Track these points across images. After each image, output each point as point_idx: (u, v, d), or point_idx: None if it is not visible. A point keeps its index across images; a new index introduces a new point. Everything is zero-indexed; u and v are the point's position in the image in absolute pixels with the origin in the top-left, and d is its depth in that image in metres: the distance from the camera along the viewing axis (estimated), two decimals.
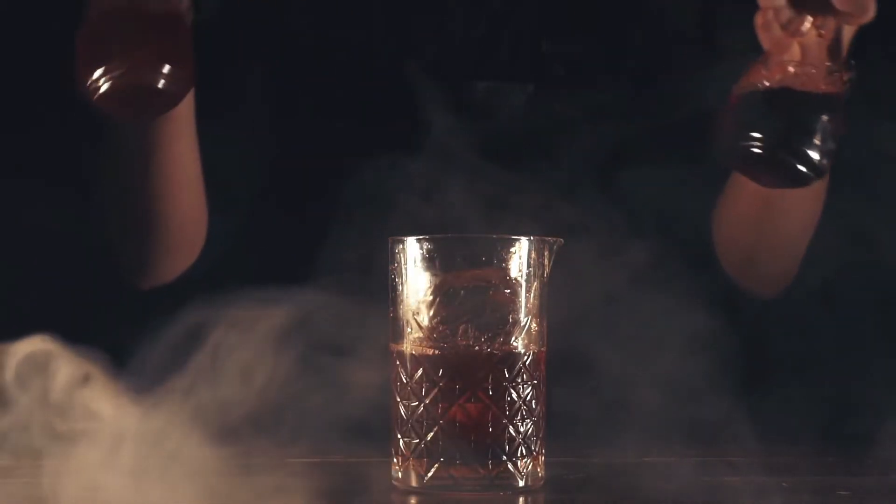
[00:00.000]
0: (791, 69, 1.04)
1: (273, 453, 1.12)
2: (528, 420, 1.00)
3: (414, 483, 1.00)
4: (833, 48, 1.03)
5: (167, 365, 1.05)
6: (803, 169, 1.02)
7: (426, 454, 0.99)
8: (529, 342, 1.00)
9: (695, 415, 1.18)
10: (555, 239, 1.02)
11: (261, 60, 1.36)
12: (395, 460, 1.01)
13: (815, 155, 1.02)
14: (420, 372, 0.99)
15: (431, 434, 0.99)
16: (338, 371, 1.14)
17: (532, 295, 1.00)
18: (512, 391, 0.99)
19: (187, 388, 1.04)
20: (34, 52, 1.34)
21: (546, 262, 1.01)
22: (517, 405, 0.99)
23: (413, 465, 1.00)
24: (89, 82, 1.03)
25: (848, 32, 1.05)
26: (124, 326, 1.09)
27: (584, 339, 1.23)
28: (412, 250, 1.00)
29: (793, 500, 0.99)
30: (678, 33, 1.37)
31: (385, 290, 1.04)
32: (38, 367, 0.96)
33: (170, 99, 1.08)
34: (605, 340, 1.24)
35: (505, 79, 1.35)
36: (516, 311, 1.00)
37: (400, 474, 1.01)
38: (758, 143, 1.03)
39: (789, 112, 1.03)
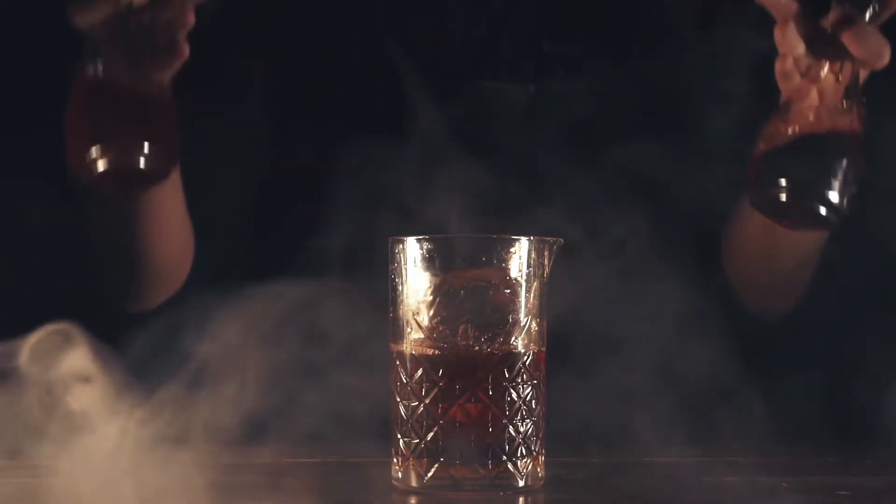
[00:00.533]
0: (811, 117, 1.07)
1: (273, 453, 1.12)
2: (528, 420, 1.00)
3: (414, 483, 1.00)
4: (851, 90, 1.07)
5: (163, 363, 1.06)
6: (828, 214, 1.06)
7: (426, 454, 0.99)
8: (529, 342, 1.00)
9: (695, 415, 1.18)
10: (555, 239, 1.02)
11: (258, 61, 1.36)
12: (395, 460, 1.01)
13: (838, 200, 1.06)
14: (420, 372, 0.99)
15: (431, 434, 0.99)
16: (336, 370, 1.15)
17: (532, 295, 1.00)
18: (512, 391, 0.99)
19: (185, 388, 1.04)
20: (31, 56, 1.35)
21: (546, 262, 1.01)
22: (517, 405, 0.99)
23: (413, 465, 1.00)
24: (75, 165, 1.06)
25: (863, 73, 1.08)
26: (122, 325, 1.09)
27: (584, 336, 1.23)
28: (412, 250, 1.00)
29: (793, 500, 0.99)
30: (679, 32, 1.37)
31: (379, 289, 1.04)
32: (51, 352, 0.97)
33: (155, 178, 1.12)
34: (605, 337, 1.24)
35: (505, 79, 1.35)
36: (516, 311, 1.00)
37: (400, 474, 1.01)
38: (784, 193, 1.07)
39: (812, 161, 1.07)
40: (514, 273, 1.00)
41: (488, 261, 0.99)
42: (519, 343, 0.99)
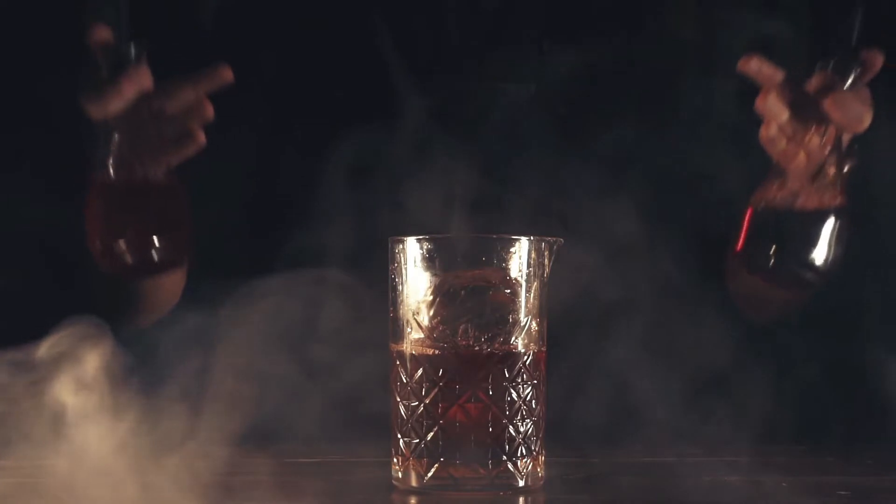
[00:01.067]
0: (798, 186, 1.12)
1: (273, 453, 1.12)
2: (528, 420, 1.00)
3: (414, 483, 1.00)
4: (835, 150, 1.11)
5: (165, 363, 1.06)
6: (813, 278, 1.13)
7: (426, 454, 0.99)
8: (529, 342, 1.00)
9: (695, 414, 1.18)
10: (555, 239, 1.02)
11: (257, 61, 1.36)
12: (395, 460, 1.01)
13: (822, 265, 1.12)
14: (420, 372, 0.99)
15: (431, 434, 0.99)
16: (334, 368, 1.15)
17: (532, 295, 1.01)
18: (512, 391, 0.99)
19: (185, 389, 1.04)
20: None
21: (546, 262, 1.01)
22: (517, 405, 0.99)
23: (413, 465, 1.00)
24: (95, 254, 1.12)
25: (846, 136, 1.12)
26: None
27: (584, 338, 1.23)
28: (412, 250, 1.00)
29: (793, 500, 0.99)
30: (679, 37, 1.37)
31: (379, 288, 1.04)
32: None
33: (171, 267, 1.17)
34: (604, 340, 1.24)
35: (505, 79, 1.35)
36: (516, 311, 1.00)
37: (400, 474, 1.01)
38: (769, 261, 1.13)
39: (797, 230, 1.13)
40: (514, 273, 1.00)
41: (488, 261, 0.99)
42: (519, 343, 0.99)
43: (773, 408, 1.23)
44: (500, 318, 0.99)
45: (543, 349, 1.02)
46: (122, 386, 0.98)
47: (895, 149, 1.24)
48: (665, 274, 1.27)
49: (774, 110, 1.12)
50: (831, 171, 1.12)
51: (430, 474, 0.99)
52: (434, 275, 0.99)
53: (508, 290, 1.00)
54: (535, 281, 1.01)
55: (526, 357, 1.00)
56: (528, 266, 1.00)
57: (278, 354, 1.17)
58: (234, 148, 1.32)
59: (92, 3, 1.12)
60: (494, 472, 0.99)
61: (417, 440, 0.99)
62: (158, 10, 1.30)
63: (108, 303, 1.16)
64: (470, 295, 0.99)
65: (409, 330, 1.00)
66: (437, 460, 0.99)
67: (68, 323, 0.97)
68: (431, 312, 0.99)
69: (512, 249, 1.00)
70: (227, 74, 1.14)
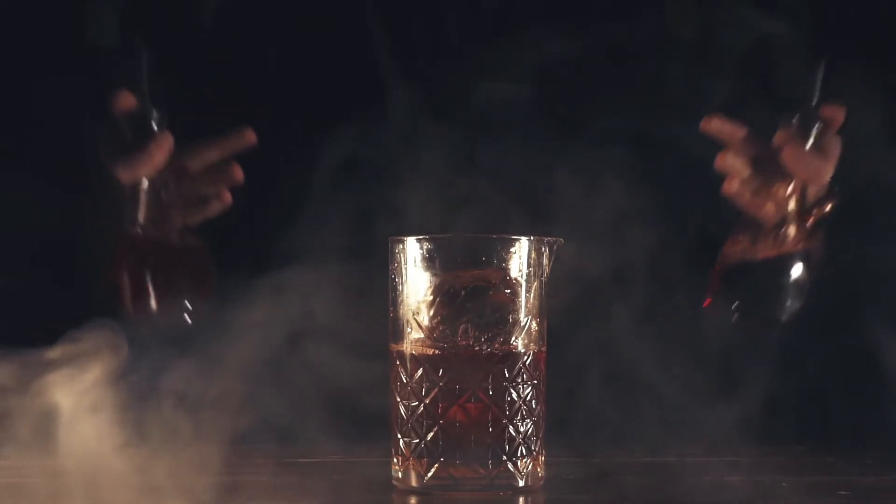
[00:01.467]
0: (761, 240, 1.16)
1: (273, 453, 1.12)
2: (528, 420, 1.00)
3: (414, 483, 1.00)
4: (801, 200, 1.15)
5: (162, 366, 1.06)
6: (779, 320, 1.17)
7: (426, 454, 0.99)
8: (529, 342, 1.00)
9: (695, 414, 1.18)
10: (555, 239, 1.02)
11: (257, 60, 1.36)
12: (395, 460, 1.01)
13: (784, 315, 1.16)
14: (420, 372, 0.99)
15: (431, 434, 0.99)
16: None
17: (532, 295, 1.00)
18: (512, 391, 0.99)
19: (184, 390, 1.04)
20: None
21: (546, 262, 1.01)
22: (517, 405, 0.99)
23: (413, 465, 1.00)
24: (124, 308, 1.14)
25: (812, 189, 1.16)
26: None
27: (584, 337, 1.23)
28: (412, 250, 1.00)
29: (793, 500, 0.99)
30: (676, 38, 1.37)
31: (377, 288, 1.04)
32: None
33: (195, 318, 1.18)
34: (604, 340, 1.24)
35: (505, 79, 1.35)
36: (516, 311, 1.00)
37: (400, 474, 1.01)
38: (734, 315, 1.17)
39: (760, 284, 1.17)
40: (514, 273, 1.00)
41: (488, 261, 0.99)
42: (519, 343, 0.99)
43: (773, 408, 1.23)
44: (500, 318, 0.99)
45: (543, 349, 1.02)
46: (121, 386, 0.99)
47: (891, 149, 1.25)
48: (664, 272, 1.27)
49: (735, 167, 1.16)
50: (802, 218, 1.15)
51: (430, 474, 0.99)
52: (434, 275, 0.99)
53: (508, 290, 1.00)
54: (535, 281, 1.01)
55: (526, 357, 1.00)
56: (528, 266, 1.00)
57: (278, 354, 1.18)
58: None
59: (116, 69, 1.15)
60: (494, 472, 0.99)
61: (417, 440, 0.99)
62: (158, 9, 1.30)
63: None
64: (470, 295, 0.99)
65: (409, 330, 1.00)
66: (437, 460, 0.99)
67: (82, 326, 0.98)
68: (431, 312, 0.99)
69: (512, 249, 1.00)
70: (250, 136, 1.19)
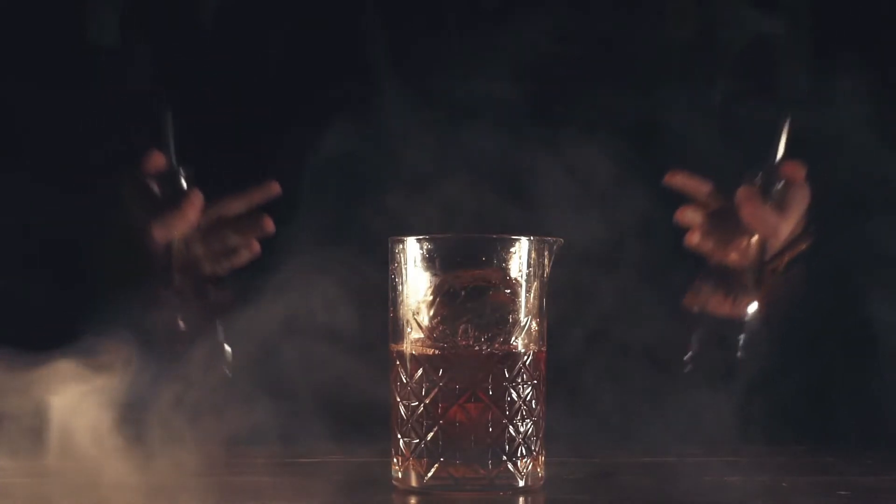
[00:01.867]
0: (721, 291, 1.21)
1: (273, 453, 1.12)
2: (528, 420, 1.00)
3: (414, 483, 1.00)
4: (760, 252, 1.20)
5: (163, 367, 1.06)
6: (732, 371, 1.22)
7: (426, 454, 0.99)
8: (529, 342, 1.00)
9: (696, 414, 1.18)
10: (555, 239, 1.02)
11: (257, 60, 1.36)
12: (395, 460, 1.01)
13: (741, 358, 1.22)
14: (420, 372, 0.99)
15: (431, 434, 0.99)
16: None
17: (532, 295, 1.00)
18: (512, 391, 0.99)
19: (184, 392, 1.04)
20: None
21: (546, 262, 1.01)
22: (517, 405, 0.99)
23: (413, 465, 1.00)
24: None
25: (773, 243, 1.21)
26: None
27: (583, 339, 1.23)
28: (412, 250, 1.00)
29: (793, 500, 0.99)
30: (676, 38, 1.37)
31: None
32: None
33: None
34: (604, 337, 1.24)
35: (505, 79, 1.35)
36: (516, 311, 1.00)
37: (400, 474, 1.01)
38: (687, 367, 1.23)
39: (719, 335, 1.22)
40: (514, 273, 1.00)
41: (488, 261, 0.99)
42: (519, 343, 0.99)
43: (774, 407, 1.23)
44: (500, 318, 0.99)
45: (543, 349, 1.02)
46: (121, 384, 0.99)
47: (885, 148, 1.26)
48: (663, 271, 1.27)
49: (694, 221, 1.21)
50: (763, 268, 1.21)
51: (430, 474, 0.99)
52: (434, 275, 0.99)
53: (508, 290, 0.99)
54: (535, 281, 1.01)
55: (526, 357, 1.00)
56: (528, 266, 1.00)
57: (277, 354, 1.18)
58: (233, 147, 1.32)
59: (143, 129, 1.19)
60: (494, 472, 0.99)
61: (417, 440, 0.99)
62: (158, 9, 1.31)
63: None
64: (470, 295, 0.99)
65: (409, 330, 1.00)
66: (437, 460, 0.99)
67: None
68: (431, 312, 0.99)
69: (512, 249, 1.00)
70: (275, 188, 1.24)
